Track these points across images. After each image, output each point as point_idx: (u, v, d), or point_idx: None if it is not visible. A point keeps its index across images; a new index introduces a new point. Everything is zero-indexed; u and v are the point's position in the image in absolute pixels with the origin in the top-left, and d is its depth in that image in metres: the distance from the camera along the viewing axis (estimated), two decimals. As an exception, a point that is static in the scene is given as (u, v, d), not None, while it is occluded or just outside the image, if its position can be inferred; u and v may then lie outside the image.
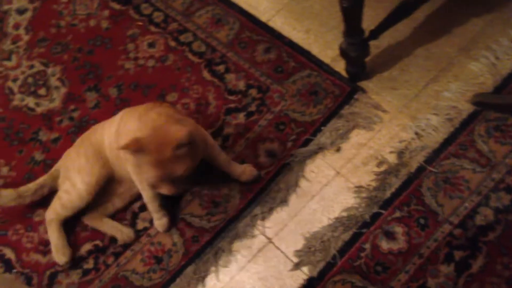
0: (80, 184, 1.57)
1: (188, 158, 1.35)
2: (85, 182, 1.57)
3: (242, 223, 1.59)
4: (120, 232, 1.60)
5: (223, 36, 1.95)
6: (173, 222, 1.62)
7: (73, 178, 1.59)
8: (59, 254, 1.57)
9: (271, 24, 1.95)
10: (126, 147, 1.31)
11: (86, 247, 1.63)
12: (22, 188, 1.66)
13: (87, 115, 1.86)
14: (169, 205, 1.62)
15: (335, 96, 1.75)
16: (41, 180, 1.67)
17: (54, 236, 1.60)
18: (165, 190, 1.38)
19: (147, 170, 1.34)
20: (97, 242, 1.63)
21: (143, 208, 1.64)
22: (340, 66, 1.80)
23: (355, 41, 1.58)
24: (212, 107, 1.80)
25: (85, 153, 1.60)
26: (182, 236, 1.60)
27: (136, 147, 1.31)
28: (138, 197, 1.63)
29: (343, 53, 1.65)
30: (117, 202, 1.64)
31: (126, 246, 1.61)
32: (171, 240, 1.60)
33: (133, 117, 1.45)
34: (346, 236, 1.53)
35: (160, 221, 1.59)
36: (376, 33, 1.67)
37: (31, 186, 1.66)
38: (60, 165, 1.67)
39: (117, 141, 1.48)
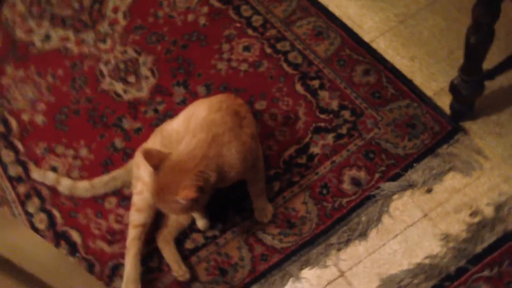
0: (149, 178, 1.51)
1: (185, 210, 1.33)
2: None
3: (316, 250, 1.51)
4: (178, 267, 1.50)
5: (321, 50, 1.87)
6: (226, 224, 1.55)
7: (143, 175, 1.53)
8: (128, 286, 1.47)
9: (374, 45, 1.85)
10: (148, 154, 1.29)
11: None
12: (96, 180, 1.65)
13: (172, 110, 1.83)
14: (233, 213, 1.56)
15: (434, 132, 1.62)
16: (115, 172, 1.66)
17: (128, 264, 1.49)
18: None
19: (152, 185, 1.32)
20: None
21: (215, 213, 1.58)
22: (443, 101, 1.68)
23: (470, 79, 1.46)
24: (301, 123, 1.72)
25: (154, 145, 1.54)
26: (250, 252, 1.53)
27: (156, 161, 1.30)
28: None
29: (454, 89, 1.53)
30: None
31: (193, 251, 1.55)
32: (239, 253, 1.53)
33: (201, 109, 1.43)
34: (426, 286, 1.41)
35: (200, 221, 1.56)
36: (493, 73, 1.54)
37: (105, 178, 1.65)
38: (135, 160, 1.63)
39: (184, 129, 1.43)
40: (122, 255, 1.56)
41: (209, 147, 1.33)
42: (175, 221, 1.56)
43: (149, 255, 1.57)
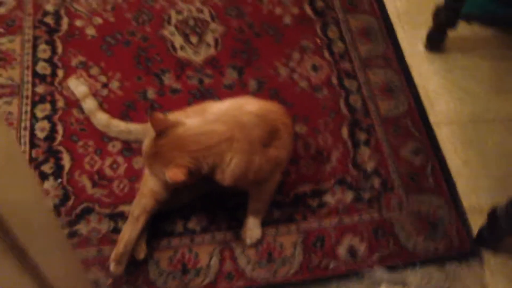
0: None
1: (166, 183, 1.29)
2: None
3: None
4: (139, 247, 1.41)
5: (384, 108, 1.77)
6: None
7: None
8: (119, 261, 1.37)
9: (436, 129, 1.75)
10: (154, 118, 1.22)
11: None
12: (114, 121, 1.59)
13: (216, 89, 1.75)
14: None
15: (451, 245, 1.53)
16: (132, 126, 1.59)
17: (133, 237, 1.38)
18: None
19: (146, 142, 1.26)
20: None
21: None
22: (474, 220, 1.58)
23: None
24: (330, 166, 1.63)
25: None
26: (220, 264, 1.45)
27: (161, 127, 1.22)
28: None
29: (493, 217, 1.44)
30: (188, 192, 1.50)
31: (168, 234, 1.47)
32: (208, 260, 1.45)
33: (246, 105, 1.37)
34: None
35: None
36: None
37: (122, 125, 1.58)
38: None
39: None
40: (100, 202, 1.49)
41: (218, 143, 1.25)
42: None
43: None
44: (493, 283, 1.49)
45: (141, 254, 1.40)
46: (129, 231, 1.38)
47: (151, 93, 1.72)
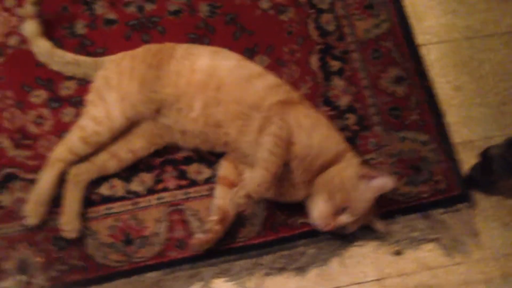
0: (116, 112, 1.21)
1: None
2: (125, 114, 1.21)
3: (242, 262, 1.24)
4: (69, 220, 1.20)
5: (361, 28, 1.49)
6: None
7: (110, 100, 1.22)
8: (32, 211, 1.21)
9: (424, 51, 1.49)
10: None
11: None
12: (59, 51, 1.33)
13: (160, 18, 1.46)
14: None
15: (436, 188, 1.32)
16: (82, 58, 1.33)
17: (45, 184, 1.21)
18: None
19: None
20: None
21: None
22: (466, 157, 1.37)
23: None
24: (296, 106, 1.38)
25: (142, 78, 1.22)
26: (169, 231, 1.26)
27: None
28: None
29: (486, 157, 1.22)
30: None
31: (106, 200, 1.27)
32: (155, 226, 1.26)
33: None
34: None
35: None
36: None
37: (69, 55, 1.33)
38: (107, 65, 1.28)
39: None
40: (24, 167, 1.27)
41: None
42: (102, 162, 1.24)
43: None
44: (485, 229, 1.31)
45: (73, 233, 1.19)
46: (43, 179, 1.20)
47: (80, 27, 1.43)
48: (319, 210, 1.16)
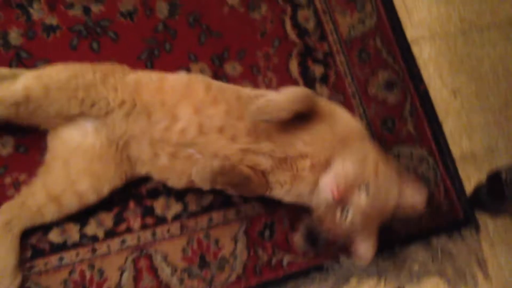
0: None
1: None
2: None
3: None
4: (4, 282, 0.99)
5: (345, 25, 1.30)
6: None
7: None
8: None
9: (415, 49, 1.31)
10: None
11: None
12: None
13: (110, 22, 1.23)
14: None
15: (438, 212, 1.17)
16: (6, 70, 1.07)
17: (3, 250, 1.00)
18: None
19: None
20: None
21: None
22: (467, 172, 1.22)
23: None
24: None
25: None
26: (134, 281, 1.07)
27: None
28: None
29: (494, 180, 1.07)
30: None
31: (57, 248, 1.07)
32: (118, 277, 1.07)
33: None
34: None
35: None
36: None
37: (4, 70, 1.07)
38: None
39: None
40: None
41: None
42: (37, 206, 1.01)
43: None
44: (493, 257, 1.17)
45: (12, 285, 0.99)
46: None
47: (15, 37, 1.20)
48: (345, 169, 0.95)
